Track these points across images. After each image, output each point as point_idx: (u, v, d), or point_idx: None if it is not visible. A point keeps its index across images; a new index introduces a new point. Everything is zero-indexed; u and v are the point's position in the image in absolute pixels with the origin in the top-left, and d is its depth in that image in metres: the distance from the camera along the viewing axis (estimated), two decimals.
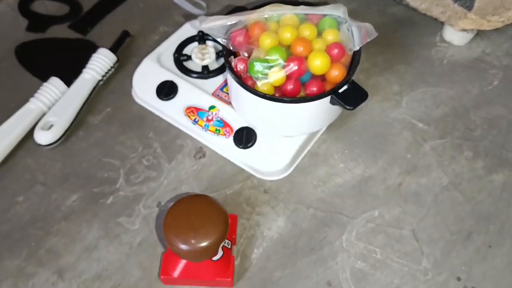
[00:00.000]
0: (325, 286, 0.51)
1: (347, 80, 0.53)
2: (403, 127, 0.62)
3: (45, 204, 0.56)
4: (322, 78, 0.54)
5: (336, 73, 0.53)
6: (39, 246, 0.53)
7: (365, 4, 0.75)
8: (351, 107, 0.52)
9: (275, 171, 0.58)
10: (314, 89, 0.53)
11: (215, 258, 0.49)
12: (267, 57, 0.52)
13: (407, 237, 0.54)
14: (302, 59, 0.52)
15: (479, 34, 0.70)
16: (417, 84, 0.66)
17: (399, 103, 0.65)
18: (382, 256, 0.53)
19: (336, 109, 0.56)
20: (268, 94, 0.52)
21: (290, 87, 0.53)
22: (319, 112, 0.55)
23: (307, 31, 0.54)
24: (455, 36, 0.69)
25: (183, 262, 0.49)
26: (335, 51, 0.53)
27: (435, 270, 0.52)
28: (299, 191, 0.57)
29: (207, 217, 0.46)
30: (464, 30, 0.67)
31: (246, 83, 0.54)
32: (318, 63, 0.52)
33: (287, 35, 0.53)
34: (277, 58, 0.52)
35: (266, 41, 0.53)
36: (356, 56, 0.54)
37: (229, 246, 0.51)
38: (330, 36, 0.54)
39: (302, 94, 0.54)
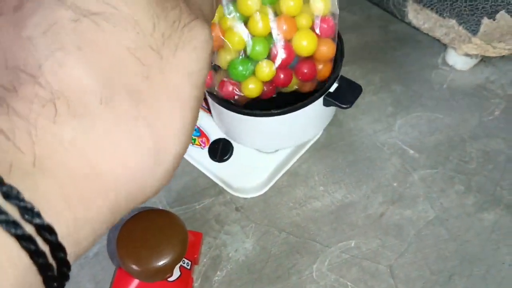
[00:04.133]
0: None
1: (335, 76, 0.48)
2: (392, 153, 0.58)
3: None
4: (310, 58, 0.48)
5: (325, 49, 0.47)
6: None
7: (367, 18, 0.71)
8: (347, 105, 0.47)
9: (250, 188, 0.54)
10: (306, 71, 0.47)
11: (171, 279, 0.45)
12: (248, 55, 0.46)
13: (383, 273, 0.50)
14: (289, 46, 0.45)
15: (484, 59, 0.66)
16: (413, 108, 0.62)
17: (391, 126, 0.61)
18: None
19: (319, 123, 0.52)
20: (242, 110, 0.47)
21: (281, 76, 0.47)
22: (308, 121, 0.51)
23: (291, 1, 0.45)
24: (458, 60, 0.65)
25: (136, 281, 0.46)
26: (324, 26, 0.46)
27: None
28: (273, 212, 0.54)
29: (164, 236, 0.43)
30: (467, 54, 0.63)
31: (224, 88, 0.49)
32: (305, 44, 0.45)
33: (259, 26, 0.44)
34: (262, 51, 0.46)
35: (235, 39, 0.45)
36: (339, 50, 0.49)
37: (189, 267, 0.47)
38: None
39: (294, 80, 0.49)
